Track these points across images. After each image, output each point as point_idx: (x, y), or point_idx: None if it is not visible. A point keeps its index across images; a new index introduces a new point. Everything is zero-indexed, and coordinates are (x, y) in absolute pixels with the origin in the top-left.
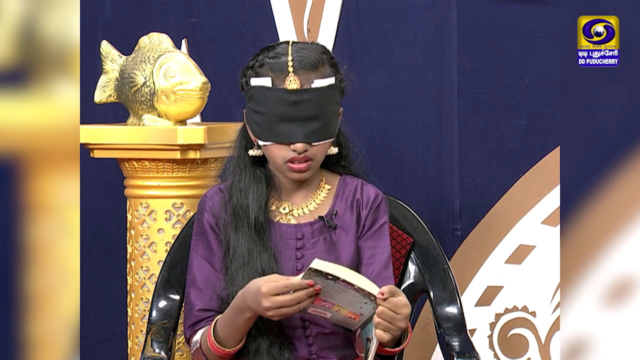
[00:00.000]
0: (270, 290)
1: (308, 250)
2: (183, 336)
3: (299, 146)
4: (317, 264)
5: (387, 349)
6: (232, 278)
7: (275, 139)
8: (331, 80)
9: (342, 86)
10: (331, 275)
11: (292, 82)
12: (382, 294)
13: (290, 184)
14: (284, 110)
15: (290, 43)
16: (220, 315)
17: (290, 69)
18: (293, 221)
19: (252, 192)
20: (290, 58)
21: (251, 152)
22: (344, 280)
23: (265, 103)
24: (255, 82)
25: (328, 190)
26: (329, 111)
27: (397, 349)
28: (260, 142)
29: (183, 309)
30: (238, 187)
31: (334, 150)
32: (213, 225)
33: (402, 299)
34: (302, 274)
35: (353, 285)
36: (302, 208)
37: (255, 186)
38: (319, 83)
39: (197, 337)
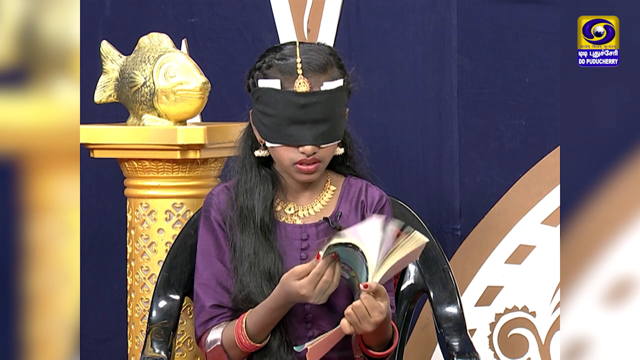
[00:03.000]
0: (309, 290)
1: (313, 251)
2: (184, 336)
3: (308, 149)
4: (337, 238)
5: (372, 352)
6: (238, 277)
7: (284, 142)
8: (339, 83)
9: (349, 87)
10: (351, 244)
11: (302, 85)
12: (365, 287)
13: (296, 184)
14: (293, 112)
15: (297, 44)
16: (249, 313)
17: (300, 71)
18: (298, 222)
19: (258, 193)
20: (299, 60)
21: (257, 153)
22: (361, 252)
23: (274, 105)
24: (263, 83)
25: (333, 191)
26: (337, 113)
27: (382, 353)
28: (268, 144)
29: (183, 309)
30: (244, 187)
31: (340, 150)
32: (220, 222)
33: (382, 304)
34: (324, 250)
35: (366, 261)
36: (308, 209)
37: (261, 187)
38: (328, 85)
39: (216, 335)
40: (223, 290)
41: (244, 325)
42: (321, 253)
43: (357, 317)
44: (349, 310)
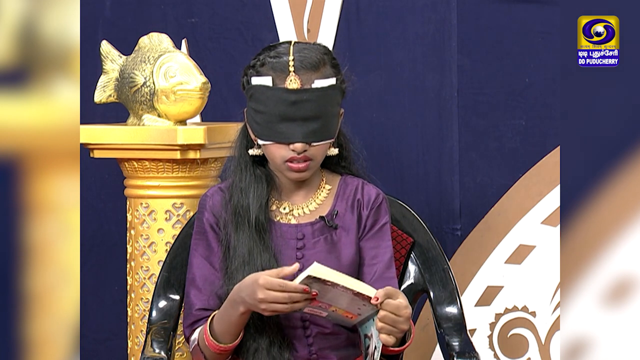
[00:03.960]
0: (266, 284)
1: (309, 251)
2: (183, 335)
3: (298, 146)
4: (316, 271)
5: (391, 348)
6: (231, 277)
7: (275, 139)
8: (332, 81)
9: (343, 87)
10: (330, 281)
11: (293, 82)
12: (377, 299)
13: (290, 183)
14: (284, 109)
15: (292, 43)
16: (216, 311)
17: (291, 69)
18: (293, 221)
19: (253, 192)
20: (291, 58)
21: (251, 152)
22: (342, 286)
23: (266, 102)
24: (256, 81)
25: (328, 190)
26: (329, 112)
27: (401, 347)
28: (260, 142)
29: (183, 308)
30: (239, 186)
31: (334, 151)
32: (213, 224)
33: (402, 301)
34: (301, 276)
35: (352, 290)
36: (303, 208)
37: (256, 186)
38: (319, 83)
39: (195, 335)
40: (212, 293)
41: (208, 325)
42: (298, 272)
43: (389, 325)
44: (379, 325)
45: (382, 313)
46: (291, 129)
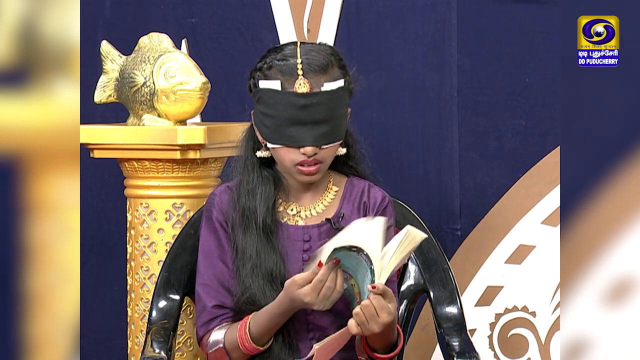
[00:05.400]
0: (312, 298)
1: (315, 253)
2: (184, 336)
3: (309, 149)
4: (338, 240)
5: (377, 354)
6: (240, 278)
7: (285, 142)
8: (340, 83)
9: (351, 87)
10: (355, 247)
11: (302, 86)
12: (374, 287)
13: (298, 185)
14: (294, 113)
15: (298, 44)
16: (253, 316)
17: (300, 72)
18: (301, 222)
19: (260, 194)
20: (299, 60)
21: (259, 154)
22: (366, 255)
23: (275, 106)
24: (264, 84)
25: (335, 191)
26: (338, 113)
27: (387, 355)
28: (269, 145)
29: (183, 309)
30: (246, 188)
31: (343, 151)
32: (222, 222)
33: (390, 305)
34: (327, 255)
35: (371, 263)
36: (310, 210)
37: (263, 188)
38: (328, 86)
39: (218, 337)
40: (225, 290)
41: (247, 329)
42: (322, 260)
43: (365, 317)
44: (357, 310)
45: (365, 302)
46: (301, 133)
